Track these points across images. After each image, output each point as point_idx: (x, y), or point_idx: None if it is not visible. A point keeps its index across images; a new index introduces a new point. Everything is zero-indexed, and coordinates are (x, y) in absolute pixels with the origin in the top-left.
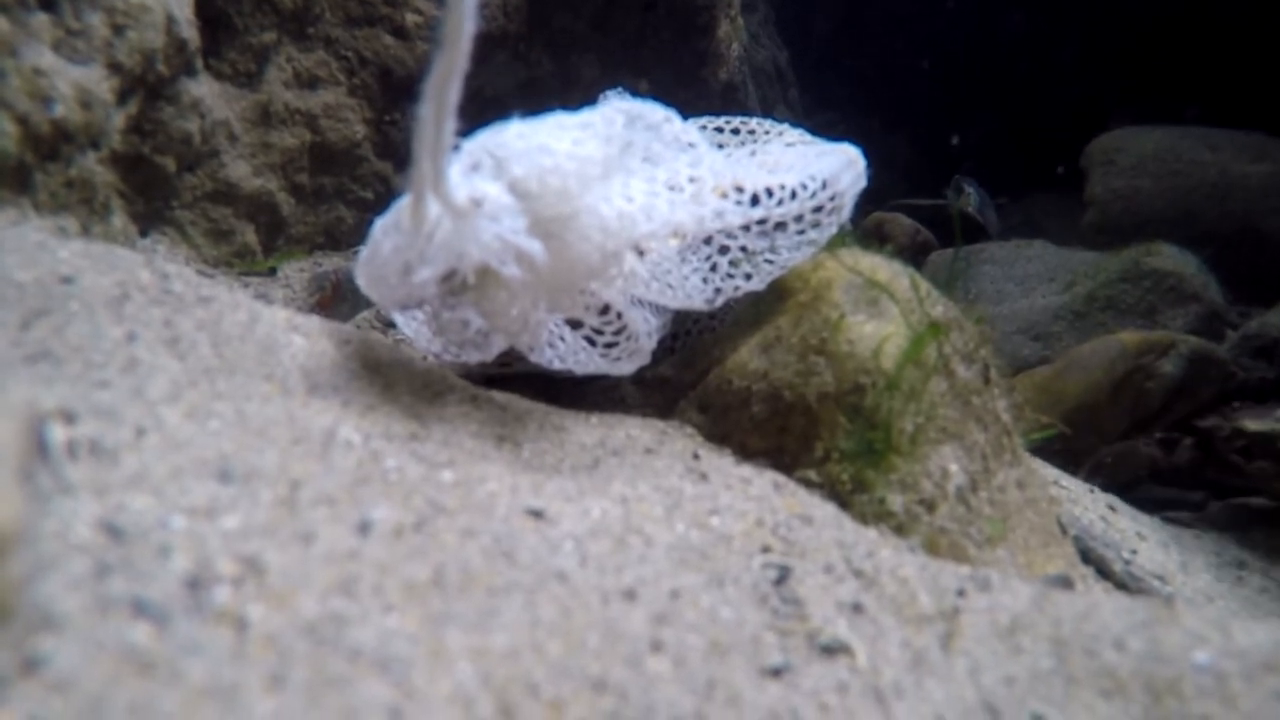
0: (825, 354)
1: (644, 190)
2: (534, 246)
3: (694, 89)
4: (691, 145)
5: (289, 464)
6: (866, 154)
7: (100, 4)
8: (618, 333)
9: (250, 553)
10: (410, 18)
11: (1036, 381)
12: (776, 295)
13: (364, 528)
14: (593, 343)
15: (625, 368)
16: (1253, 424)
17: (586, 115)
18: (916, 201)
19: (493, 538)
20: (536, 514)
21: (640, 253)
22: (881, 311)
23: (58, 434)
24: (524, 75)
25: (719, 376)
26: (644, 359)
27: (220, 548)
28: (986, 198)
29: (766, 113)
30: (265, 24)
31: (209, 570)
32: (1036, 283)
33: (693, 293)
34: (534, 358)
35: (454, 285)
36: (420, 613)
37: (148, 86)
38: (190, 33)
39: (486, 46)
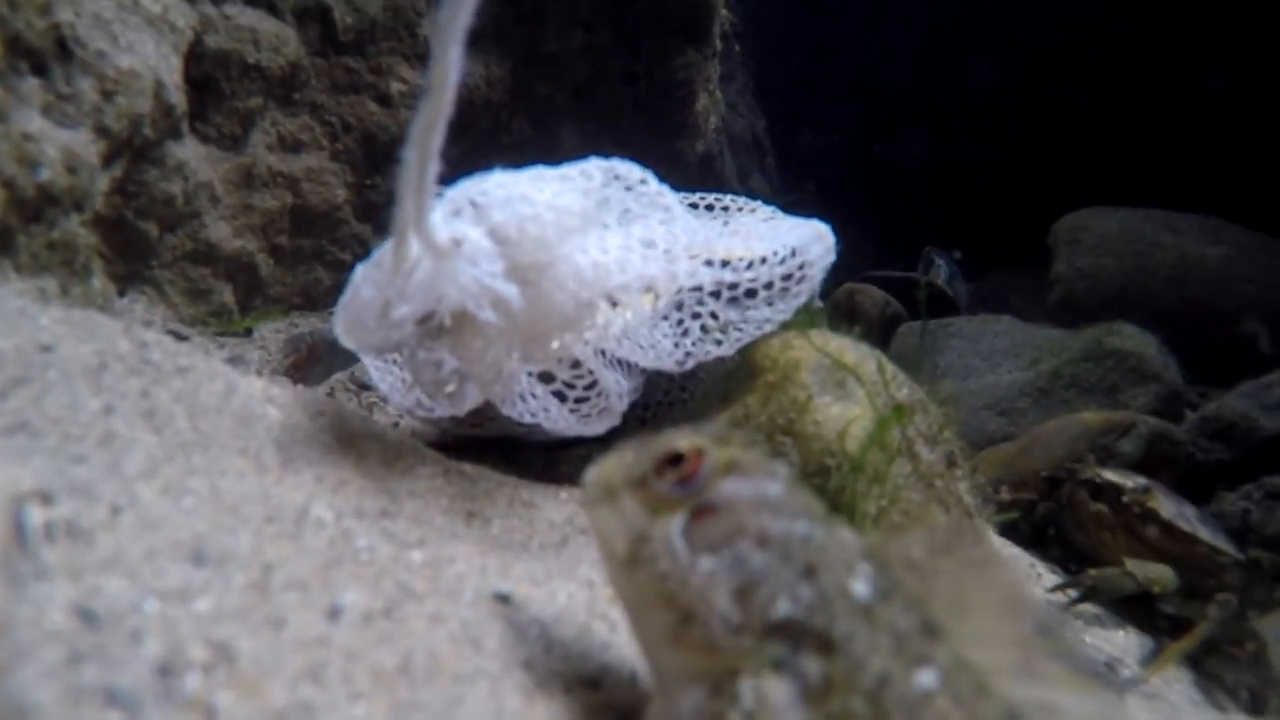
0: (792, 434)
1: (619, 244)
2: (510, 291)
3: (671, 160)
4: (667, 207)
5: (262, 545)
6: (836, 229)
7: (91, 70)
8: (588, 388)
9: (221, 638)
10: (395, 86)
11: (1001, 458)
12: (746, 373)
13: (334, 613)
14: (563, 398)
15: (596, 427)
16: (1110, 474)
17: (566, 169)
18: (887, 273)
19: (460, 624)
20: (504, 598)
21: (614, 304)
22: (848, 393)
23: (35, 516)
24: (505, 142)
25: None
26: (614, 420)
27: (192, 632)
28: (956, 271)
29: (742, 181)
30: (252, 89)
31: (180, 657)
32: (1002, 358)
33: (663, 354)
34: (505, 410)
35: (430, 329)
36: (387, 701)
37: (134, 150)
38: (178, 98)
39: (468, 114)
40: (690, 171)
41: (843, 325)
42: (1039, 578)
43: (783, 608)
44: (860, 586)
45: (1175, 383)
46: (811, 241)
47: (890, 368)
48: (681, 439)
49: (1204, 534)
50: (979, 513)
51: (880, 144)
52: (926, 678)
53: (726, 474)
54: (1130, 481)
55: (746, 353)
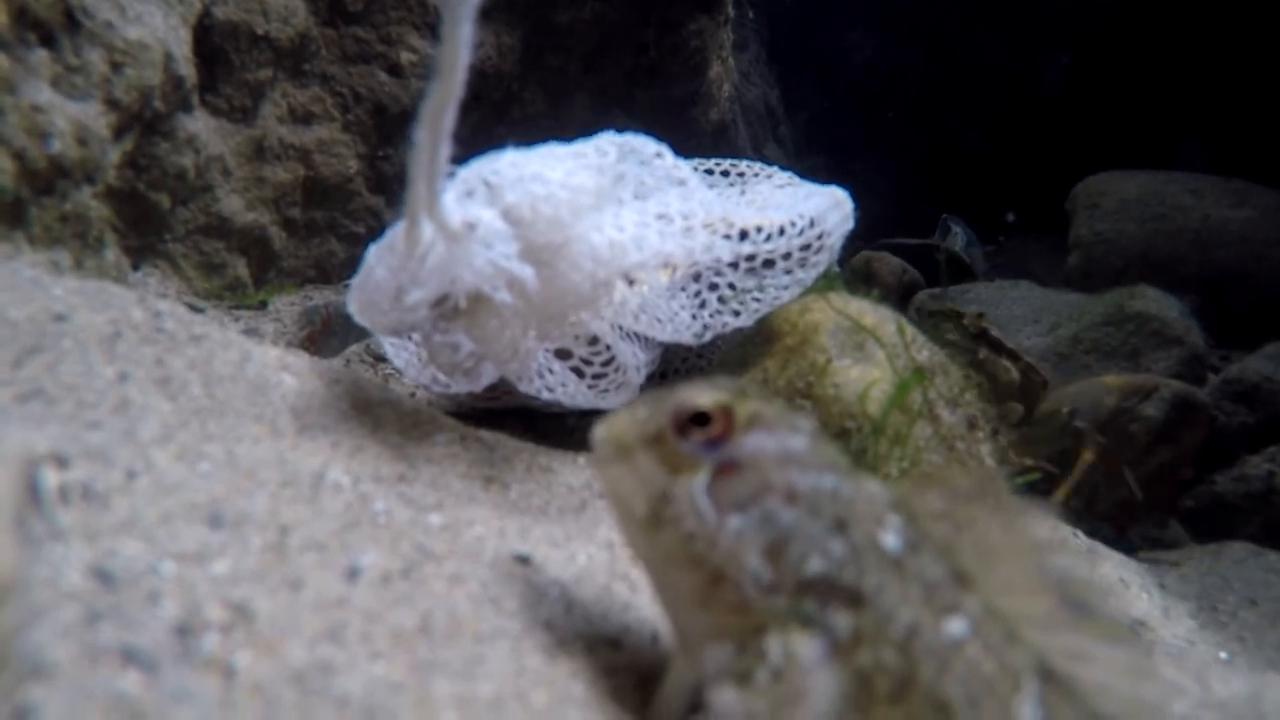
0: (812, 397)
1: (635, 221)
2: (525, 272)
3: (685, 129)
4: (682, 181)
5: (279, 508)
6: (854, 195)
7: (100, 41)
8: (606, 364)
9: (239, 599)
10: (405, 56)
11: None
12: (764, 338)
13: (352, 574)
14: (581, 374)
15: (614, 400)
16: (995, 331)
17: (580, 146)
18: (904, 240)
19: (480, 584)
20: (523, 560)
21: (630, 282)
22: (868, 356)
23: (50, 479)
24: (516, 114)
25: None
26: (632, 393)
27: (209, 594)
28: (974, 238)
29: (756, 150)
30: (261, 60)
31: (198, 617)
32: (1021, 324)
33: (681, 327)
34: (523, 388)
35: (445, 310)
36: (407, 660)
37: (144, 122)
38: (188, 70)
39: (479, 85)
40: (704, 140)
41: (861, 291)
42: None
43: (815, 564)
44: (890, 539)
45: (1198, 346)
46: (829, 209)
47: (910, 330)
48: (701, 395)
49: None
50: (1000, 474)
51: (894, 111)
52: (956, 626)
53: (749, 429)
54: (968, 311)
55: (764, 317)
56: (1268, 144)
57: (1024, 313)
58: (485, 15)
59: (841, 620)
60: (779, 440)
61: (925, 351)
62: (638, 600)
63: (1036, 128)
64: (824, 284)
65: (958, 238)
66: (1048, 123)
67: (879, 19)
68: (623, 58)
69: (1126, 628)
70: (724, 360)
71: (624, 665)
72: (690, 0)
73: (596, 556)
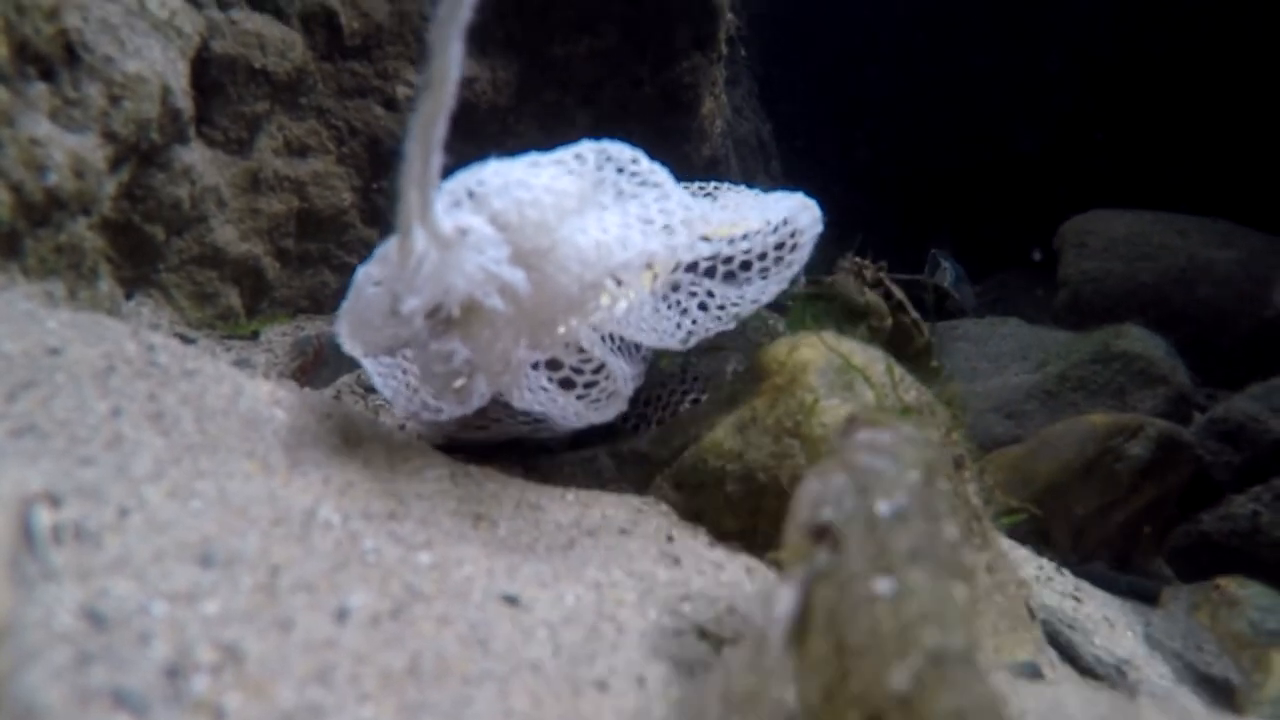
0: (800, 437)
1: (618, 222)
2: (516, 276)
3: (678, 163)
4: (659, 184)
5: (270, 547)
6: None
7: (99, 75)
8: (596, 371)
9: (230, 640)
10: (401, 90)
11: (1008, 461)
12: (753, 376)
13: (342, 615)
14: (572, 384)
15: (607, 412)
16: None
17: (559, 154)
18: (893, 276)
19: (468, 625)
20: (511, 600)
21: (618, 282)
22: (856, 395)
23: (44, 518)
24: (511, 146)
25: (695, 455)
26: (622, 405)
27: (200, 634)
28: (962, 273)
29: (748, 184)
30: (258, 93)
31: (188, 658)
32: (1009, 361)
33: (665, 335)
34: (515, 402)
35: (438, 321)
36: (395, 702)
37: (141, 154)
38: (185, 102)
39: (475, 118)
40: (697, 175)
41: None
42: (1048, 580)
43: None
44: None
45: (1184, 385)
46: (799, 211)
47: (899, 370)
48: None
49: (910, 311)
50: (986, 514)
51: (883, 143)
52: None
53: None
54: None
55: (754, 355)
56: (1258, 185)
57: (1012, 349)
58: (481, 49)
59: None
60: None
61: (913, 392)
62: (624, 641)
63: (1028, 163)
64: (812, 319)
65: (946, 273)
66: (1038, 159)
67: (872, 52)
68: (617, 92)
69: (1108, 679)
70: (714, 397)
71: (610, 708)
72: (684, 37)
73: (584, 597)
